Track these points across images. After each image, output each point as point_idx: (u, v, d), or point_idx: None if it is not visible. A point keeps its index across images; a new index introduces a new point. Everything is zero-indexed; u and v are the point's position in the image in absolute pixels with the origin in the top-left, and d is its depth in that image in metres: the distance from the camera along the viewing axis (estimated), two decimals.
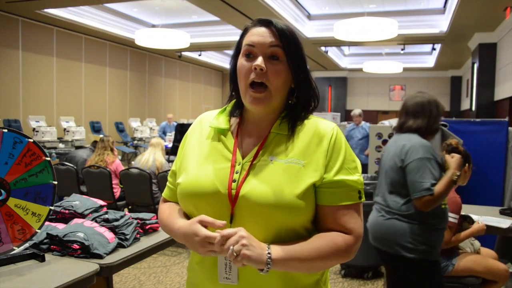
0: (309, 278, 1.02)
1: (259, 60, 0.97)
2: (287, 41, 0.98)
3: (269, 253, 0.89)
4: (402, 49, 11.75)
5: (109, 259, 1.64)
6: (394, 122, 4.26)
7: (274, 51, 0.98)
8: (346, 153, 1.00)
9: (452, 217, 2.53)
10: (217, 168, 1.01)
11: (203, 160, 1.04)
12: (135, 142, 11.53)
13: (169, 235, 1.08)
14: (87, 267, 1.55)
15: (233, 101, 1.11)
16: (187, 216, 1.07)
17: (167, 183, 1.18)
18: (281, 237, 0.95)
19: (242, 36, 1.03)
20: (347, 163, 0.99)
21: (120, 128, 11.87)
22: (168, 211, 1.10)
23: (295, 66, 0.99)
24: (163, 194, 1.18)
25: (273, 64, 0.98)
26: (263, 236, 0.94)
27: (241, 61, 1.01)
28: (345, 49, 14.65)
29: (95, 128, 10.70)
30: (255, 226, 0.95)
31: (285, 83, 1.00)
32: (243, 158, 1.01)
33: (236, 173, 0.99)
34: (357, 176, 0.99)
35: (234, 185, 0.97)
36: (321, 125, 1.03)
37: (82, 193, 4.40)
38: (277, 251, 0.91)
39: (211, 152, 1.05)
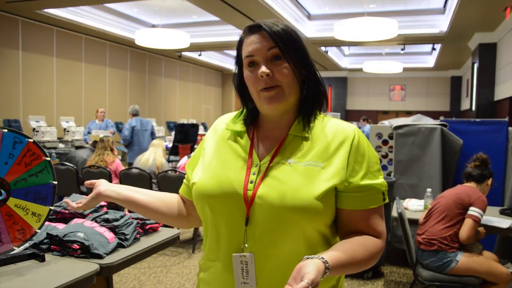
0: (324, 285, 1.00)
1: (263, 68, 0.96)
2: (282, 40, 0.98)
3: (326, 262, 0.83)
4: (402, 49, 11.74)
5: (109, 259, 1.64)
6: (394, 122, 4.26)
7: (274, 53, 0.97)
8: (370, 155, 0.99)
9: (479, 213, 2.64)
10: (234, 170, 1.00)
11: (219, 161, 1.03)
12: None
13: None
14: (87, 267, 1.55)
15: (247, 111, 1.09)
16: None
17: (184, 180, 1.18)
18: (296, 241, 0.94)
19: (239, 48, 1.03)
20: (372, 166, 0.98)
21: (120, 128, 11.86)
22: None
23: (295, 60, 0.98)
24: (179, 191, 1.19)
25: (277, 64, 0.97)
26: (278, 240, 0.93)
27: (247, 72, 1.00)
28: (345, 49, 14.65)
29: None
30: (271, 228, 0.93)
31: (294, 79, 0.99)
32: (260, 160, 1.00)
33: (253, 174, 0.98)
34: (381, 179, 0.99)
35: (250, 186, 0.96)
36: (341, 127, 1.01)
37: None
38: (330, 259, 0.85)
39: (227, 153, 1.04)
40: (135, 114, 7.35)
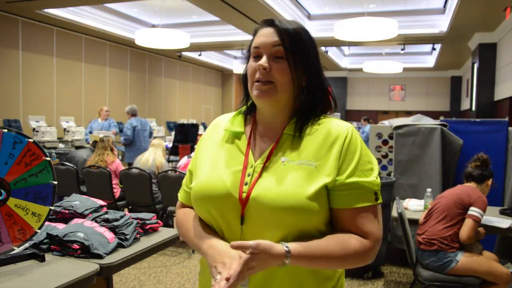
0: (324, 285, 1.01)
1: (263, 60, 0.98)
2: (289, 40, 0.99)
3: (287, 247, 0.89)
4: (402, 49, 11.74)
5: (109, 259, 1.64)
6: (394, 122, 4.26)
7: (277, 50, 0.99)
8: (361, 154, 0.98)
9: (479, 213, 2.65)
10: (230, 171, 1.00)
11: (217, 163, 1.04)
12: None
13: (188, 243, 1.07)
14: (87, 267, 1.55)
15: (248, 104, 1.11)
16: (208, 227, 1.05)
17: (183, 186, 1.16)
18: (290, 240, 0.94)
19: (252, 40, 1.04)
20: (362, 165, 0.97)
21: (120, 128, 11.86)
22: (191, 222, 1.08)
23: (297, 63, 0.99)
24: (179, 198, 1.17)
25: (278, 62, 0.98)
26: (275, 240, 0.93)
27: (250, 62, 1.02)
28: (345, 49, 14.65)
29: None
30: (266, 229, 0.94)
31: (291, 80, 0.99)
32: (256, 161, 1.01)
33: (248, 175, 0.98)
34: (373, 177, 0.97)
35: (245, 188, 0.97)
36: (335, 126, 1.01)
37: (82, 193, 4.40)
38: (294, 246, 0.90)
39: (225, 155, 1.04)
40: (134, 114, 7.36)
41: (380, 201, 0.99)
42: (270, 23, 1.01)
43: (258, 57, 1.01)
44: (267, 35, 1.00)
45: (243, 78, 1.08)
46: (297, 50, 0.99)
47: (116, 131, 7.55)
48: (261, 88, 0.98)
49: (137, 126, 7.12)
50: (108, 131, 7.16)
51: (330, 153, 0.97)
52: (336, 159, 0.96)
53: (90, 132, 7.36)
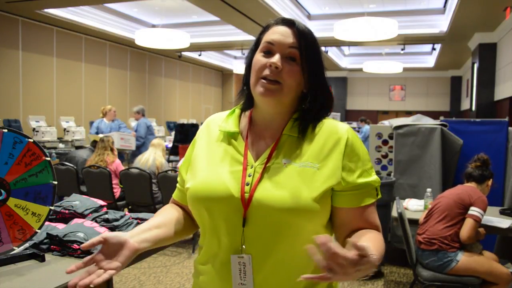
0: (323, 283, 1.00)
1: (276, 58, 0.96)
2: (306, 45, 0.98)
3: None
4: (402, 49, 11.74)
5: None
6: (394, 122, 4.27)
7: (292, 52, 0.97)
8: (363, 154, 1.00)
9: (479, 213, 2.65)
10: (229, 172, 0.99)
11: (213, 163, 1.02)
12: None
13: None
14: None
15: (242, 102, 1.09)
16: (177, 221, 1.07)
17: (177, 184, 1.15)
18: (294, 242, 0.94)
19: (262, 33, 1.03)
20: (365, 165, 0.99)
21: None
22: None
23: (309, 70, 0.99)
24: (173, 195, 1.16)
25: (290, 64, 0.97)
26: (276, 241, 0.93)
27: (258, 56, 1.00)
28: (345, 49, 14.65)
29: None
30: (269, 230, 0.94)
31: (299, 84, 0.99)
32: (255, 161, 0.99)
33: (249, 176, 0.97)
34: (374, 176, 1.00)
35: (247, 188, 0.95)
36: (334, 127, 1.01)
37: (82, 193, 4.40)
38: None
39: (221, 155, 1.02)
40: (144, 114, 7.38)
41: (379, 196, 1.02)
42: (289, 23, 1.00)
43: (268, 53, 0.99)
44: (284, 34, 0.98)
45: (246, 70, 1.05)
46: (311, 56, 0.99)
47: (135, 134, 7.18)
48: (267, 86, 0.96)
49: (150, 126, 7.17)
50: (127, 133, 6.80)
51: (333, 154, 0.97)
52: (339, 160, 0.97)
53: (97, 133, 6.86)
